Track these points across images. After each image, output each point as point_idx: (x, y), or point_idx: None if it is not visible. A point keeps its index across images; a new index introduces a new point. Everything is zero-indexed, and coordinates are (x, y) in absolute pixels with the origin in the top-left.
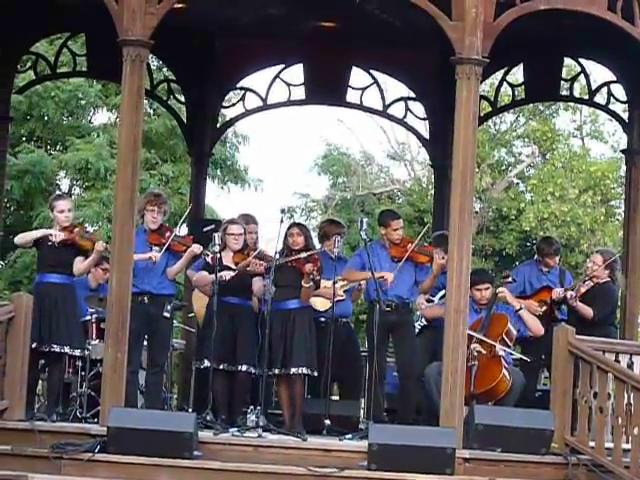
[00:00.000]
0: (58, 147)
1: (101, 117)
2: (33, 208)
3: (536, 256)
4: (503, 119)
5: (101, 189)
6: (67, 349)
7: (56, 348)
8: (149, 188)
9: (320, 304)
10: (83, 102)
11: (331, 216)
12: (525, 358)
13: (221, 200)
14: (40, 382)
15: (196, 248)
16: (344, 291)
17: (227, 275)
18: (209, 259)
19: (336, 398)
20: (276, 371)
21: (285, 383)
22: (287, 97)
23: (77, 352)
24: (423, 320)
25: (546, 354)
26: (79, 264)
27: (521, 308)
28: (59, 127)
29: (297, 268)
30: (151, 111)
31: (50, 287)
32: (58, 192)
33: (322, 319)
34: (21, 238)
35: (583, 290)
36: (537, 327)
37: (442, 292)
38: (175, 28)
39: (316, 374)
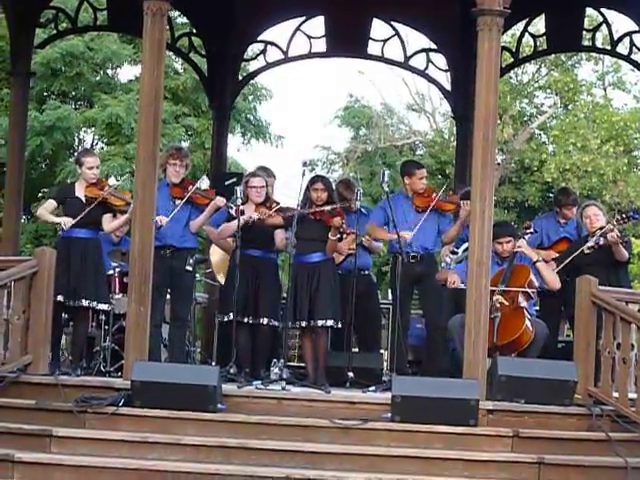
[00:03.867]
0: (83, 103)
1: (128, 71)
2: (57, 163)
3: (554, 208)
4: (525, 70)
5: (125, 143)
6: (94, 304)
7: (84, 303)
8: (174, 141)
9: None
10: (113, 60)
11: (351, 171)
12: None
13: (243, 153)
14: (64, 336)
15: (219, 201)
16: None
17: (253, 215)
18: (232, 211)
19: (356, 350)
20: (303, 324)
21: (310, 336)
22: (308, 50)
23: (104, 307)
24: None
25: (565, 305)
26: (109, 221)
27: (538, 260)
28: (87, 83)
29: (323, 221)
30: (179, 66)
31: (77, 242)
32: (86, 147)
33: (340, 272)
34: (41, 215)
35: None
36: (554, 280)
37: (466, 245)
38: None
39: (340, 326)
